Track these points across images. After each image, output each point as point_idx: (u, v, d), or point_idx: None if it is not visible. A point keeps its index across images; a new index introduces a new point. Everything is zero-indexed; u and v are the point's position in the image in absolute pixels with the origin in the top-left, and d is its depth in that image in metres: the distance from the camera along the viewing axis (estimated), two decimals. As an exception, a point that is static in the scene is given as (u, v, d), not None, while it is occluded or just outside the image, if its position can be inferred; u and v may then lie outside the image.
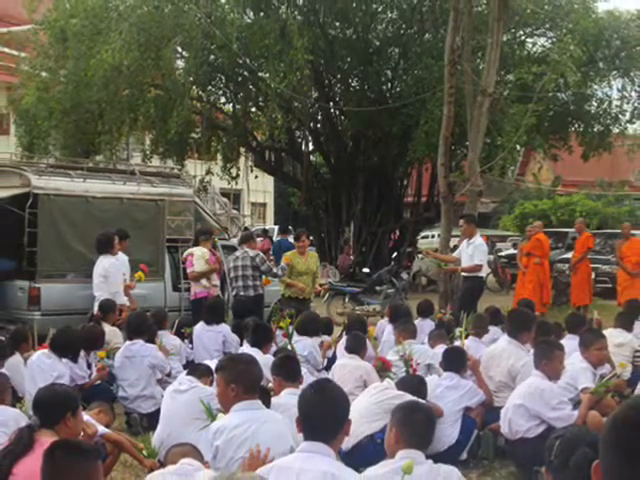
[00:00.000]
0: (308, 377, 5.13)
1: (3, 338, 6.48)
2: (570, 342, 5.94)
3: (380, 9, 17.08)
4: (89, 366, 6.24)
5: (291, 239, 12.23)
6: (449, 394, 5.25)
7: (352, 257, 18.09)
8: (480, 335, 6.80)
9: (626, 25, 16.74)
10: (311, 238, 15.16)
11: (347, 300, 12.66)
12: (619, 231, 13.99)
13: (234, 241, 10.68)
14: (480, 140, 11.77)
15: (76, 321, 7.04)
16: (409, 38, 17.01)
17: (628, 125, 18.27)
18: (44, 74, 16.17)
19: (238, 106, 17.61)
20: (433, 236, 24.44)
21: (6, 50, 18.75)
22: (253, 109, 17.61)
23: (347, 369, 5.76)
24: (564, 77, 13.75)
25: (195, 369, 5.14)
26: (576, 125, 18.16)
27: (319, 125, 19.04)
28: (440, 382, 5.36)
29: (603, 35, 16.21)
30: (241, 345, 6.82)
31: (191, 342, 7.45)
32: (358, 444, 4.73)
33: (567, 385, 5.31)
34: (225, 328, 7.32)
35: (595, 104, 17.84)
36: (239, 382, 3.57)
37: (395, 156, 17.77)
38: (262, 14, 15.52)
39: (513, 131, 13.28)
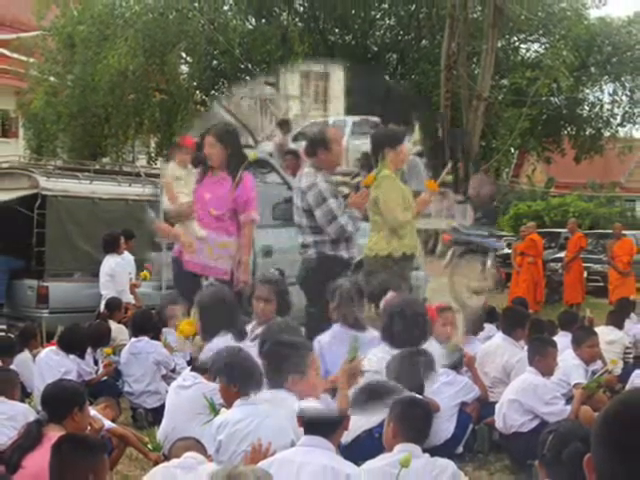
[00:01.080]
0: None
1: (12, 335, 6.56)
2: (563, 339, 5.89)
3: (378, 16, 17.16)
4: (96, 362, 6.28)
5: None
6: (445, 390, 5.21)
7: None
8: (475, 332, 6.87)
9: (617, 31, 16.83)
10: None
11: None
12: (610, 231, 14.03)
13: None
14: (475, 143, 11.95)
15: (83, 319, 7.03)
16: (406, 44, 17.10)
17: (619, 128, 18.38)
18: (52, 79, 16.22)
19: (240, 110, 17.69)
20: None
21: (15, 56, 18.72)
22: (255, 113, 17.67)
23: (347, 365, 5.86)
24: (557, 82, 13.87)
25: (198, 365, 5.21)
26: (569, 128, 18.23)
27: (319, 128, 19.07)
28: (437, 378, 5.30)
29: (595, 41, 16.31)
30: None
31: (194, 339, 7.58)
32: (357, 438, 4.58)
33: (560, 381, 5.31)
34: (227, 326, 7.44)
35: (587, 108, 17.94)
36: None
37: (393, 158, 17.83)
38: (264, 21, 15.68)
39: (507, 134, 13.43)
